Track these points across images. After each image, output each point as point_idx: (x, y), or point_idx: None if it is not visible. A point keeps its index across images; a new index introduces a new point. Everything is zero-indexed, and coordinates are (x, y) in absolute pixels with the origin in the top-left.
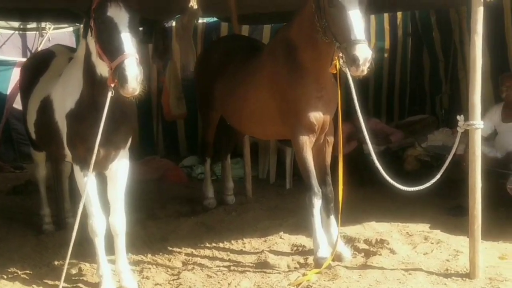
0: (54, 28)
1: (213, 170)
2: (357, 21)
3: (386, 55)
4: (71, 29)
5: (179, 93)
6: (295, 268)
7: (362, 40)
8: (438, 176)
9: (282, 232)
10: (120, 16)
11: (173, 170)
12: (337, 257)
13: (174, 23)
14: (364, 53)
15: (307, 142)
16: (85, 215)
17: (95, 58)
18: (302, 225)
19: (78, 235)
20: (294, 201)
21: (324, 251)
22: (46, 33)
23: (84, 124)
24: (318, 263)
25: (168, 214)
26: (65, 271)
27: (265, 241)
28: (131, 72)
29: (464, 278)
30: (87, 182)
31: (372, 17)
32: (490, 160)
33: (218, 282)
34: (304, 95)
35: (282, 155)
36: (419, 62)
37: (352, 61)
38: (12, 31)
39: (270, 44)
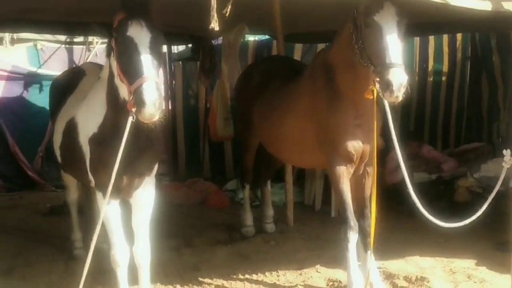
0: (102, 43)
1: (257, 195)
2: (393, 43)
3: (444, 78)
4: None
5: (226, 114)
6: None
7: (398, 64)
8: (480, 212)
9: (319, 265)
10: (141, 36)
11: (216, 194)
12: None
13: None
14: (399, 78)
15: (344, 173)
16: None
17: (118, 80)
18: (342, 258)
19: (107, 263)
20: (337, 230)
21: None
22: (93, 47)
23: (107, 150)
24: None
25: (205, 241)
26: None
27: (301, 274)
28: (149, 97)
29: None
30: (109, 209)
31: (431, 38)
32: None
33: None
34: (341, 122)
35: (329, 181)
36: (478, 87)
37: (386, 86)
38: (58, 45)
39: (310, 67)
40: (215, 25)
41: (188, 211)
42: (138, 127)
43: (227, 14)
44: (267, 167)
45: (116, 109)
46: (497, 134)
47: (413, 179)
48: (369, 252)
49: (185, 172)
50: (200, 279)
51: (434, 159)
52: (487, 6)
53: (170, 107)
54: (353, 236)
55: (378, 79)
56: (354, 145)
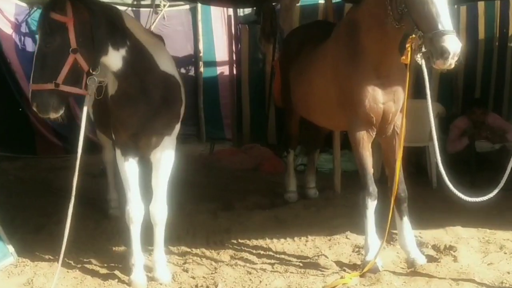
0: (170, 6)
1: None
2: (445, 9)
3: None
4: (187, 7)
5: None
6: (346, 270)
7: (451, 31)
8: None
9: (349, 231)
10: None
11: (270, 159)
12: (410, 263)
13: None
14: (454, 46)
15: (364, 137)
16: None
17: None
18: (381, 225)
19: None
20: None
21: (373, 255)
22: (160, 10)
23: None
24: (364, 267)
25: (244, 206)
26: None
27: (329, 239)
28: None
29: None
30: (126, 166)
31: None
32: None
33: (250, 279)
34: (360, 83)
35: None
36: None
37: (440, 53)
38: (125, 7)
39: (336, 28)
40: None
41: (239, 176)
42: (151, 88)
43: None
44: (315, 136)
45: None
46: None
47: (475, 149)
48: (405, 219)
49: (250, 137)
50: (225, 242)
51: (500, 127)
52: None
53: (235, 72)
54: (371, 203)
55: (425, 45)
56: (373, 107)
